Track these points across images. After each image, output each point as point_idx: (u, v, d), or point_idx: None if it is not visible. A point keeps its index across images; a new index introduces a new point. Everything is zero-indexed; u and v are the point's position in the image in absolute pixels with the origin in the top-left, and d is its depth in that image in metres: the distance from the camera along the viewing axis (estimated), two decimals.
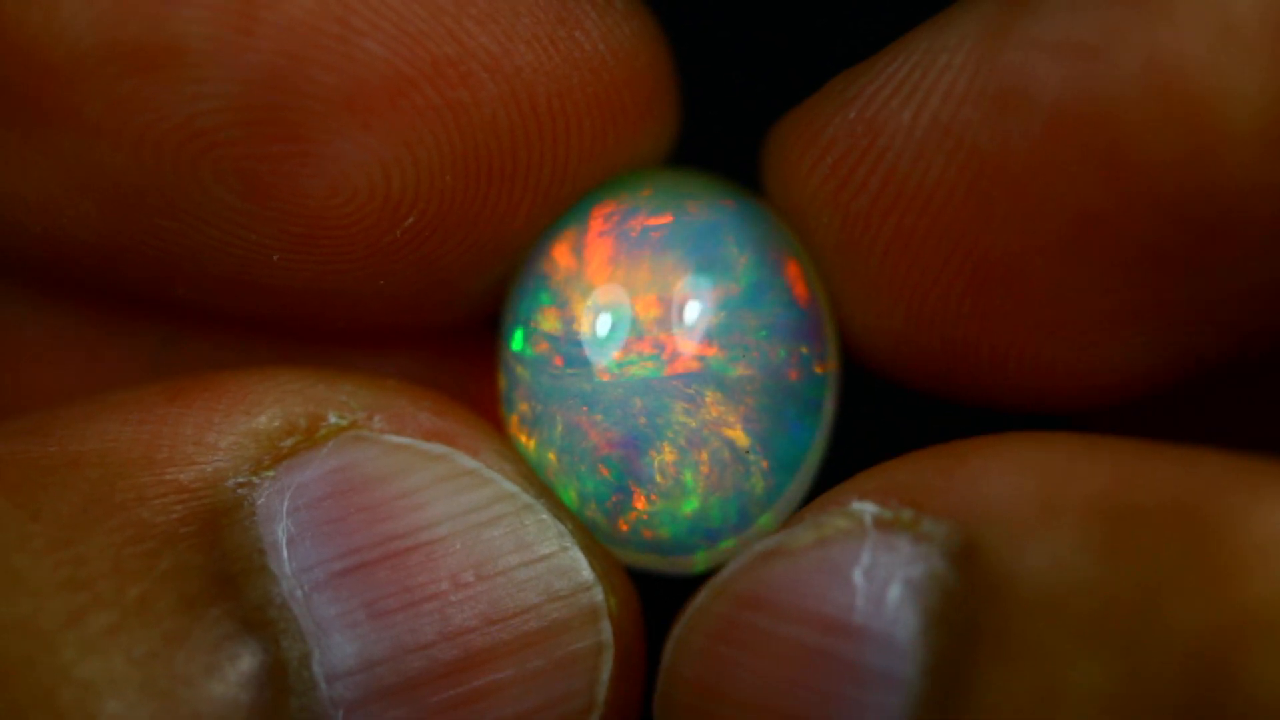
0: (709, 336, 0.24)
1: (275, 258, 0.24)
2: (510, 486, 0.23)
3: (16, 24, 0.23)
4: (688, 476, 0.24)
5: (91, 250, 0.25)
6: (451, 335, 0.27)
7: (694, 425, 0.24)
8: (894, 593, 0.22)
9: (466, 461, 0.23)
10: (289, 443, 0.23)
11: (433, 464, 0.23)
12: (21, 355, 0.27)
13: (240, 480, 0.23)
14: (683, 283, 0.24)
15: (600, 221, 0.25)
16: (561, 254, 0.25)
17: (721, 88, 0.29)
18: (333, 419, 0.23)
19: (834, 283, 0.25)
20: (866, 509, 0.23)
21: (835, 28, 0.30)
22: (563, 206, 0.25)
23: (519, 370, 0.25)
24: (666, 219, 0.24)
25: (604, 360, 0.24)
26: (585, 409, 0.24)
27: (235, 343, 0.27)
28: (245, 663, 0.21)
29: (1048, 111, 0.22)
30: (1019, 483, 0.22)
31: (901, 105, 0.23)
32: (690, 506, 0.24)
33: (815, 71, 0.25)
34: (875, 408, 0.26)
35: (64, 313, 0.27)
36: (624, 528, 0.24)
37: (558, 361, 0.24)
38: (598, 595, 0.23)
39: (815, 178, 0.24)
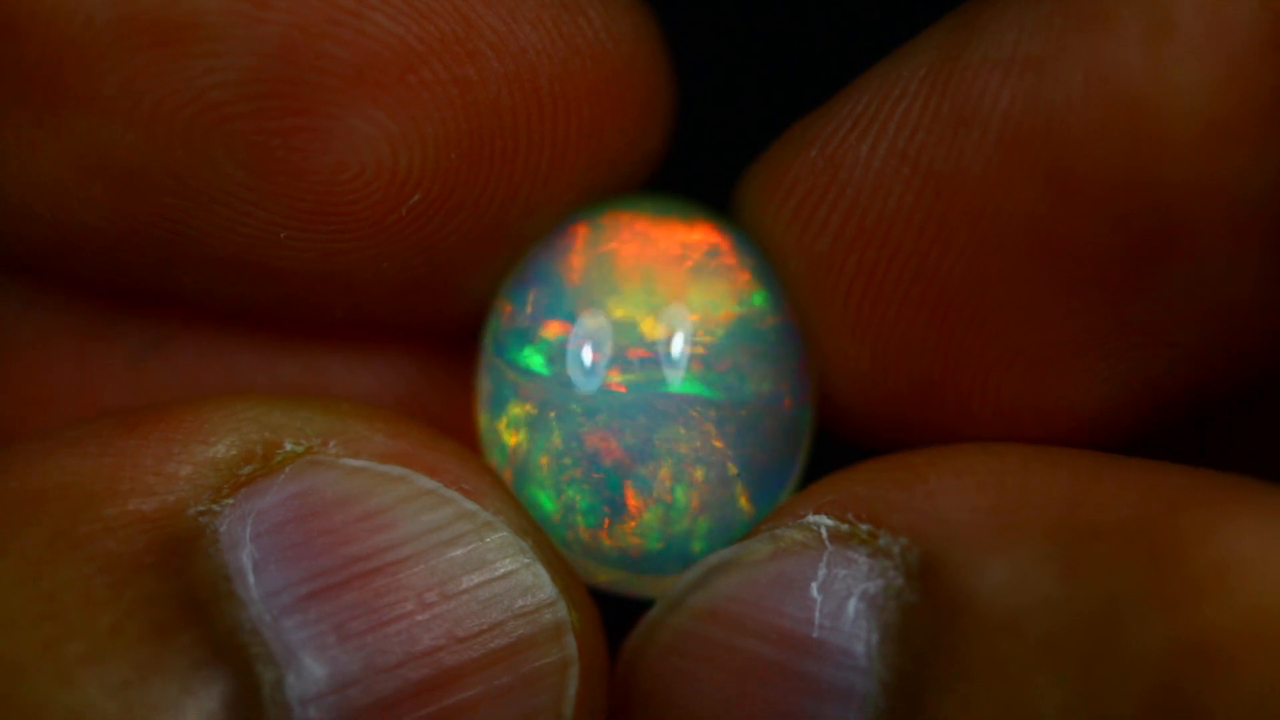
0: (709, 358, 0.24)
1: (282, 235, 0.24)
2: (469, 505, 0.23)
3: (33, 2, 0.22)
4: (680, 495, 0.24)
5: (99, 235, 0.24)
6: (442, 340, 0.27)
7: (690, 445, 0.24)
8: (852, 607, 0.22)
9: (425, 481, 0.23)
10: (247, 470, 0.23)
11: (391, 485, 0.23)
12: (11, 350, 0.27)
13: (201, 509, 0.23)
14: (685, 302, 0.24)
15: (606, 234, 0.25)
16: (565, 265, 0.25)
17: (709, 114, 0.29)
18: (289, 445, 0.23)
19: (805, 327, 0.25)
20: (823, 522, 0.23)
21: (820, 61, 0.31)
22: (559, 199, 0.25)
23: (513, 377, 0.25)
24: (671, 237, 0.25)
25: (605, 375, 0.24)
26: (583, 420, 0.24)
27: (219, 349, 0.27)
28: (218, 688, 0.21)
29: (999, 130, 0.22)
30: (976, 498, 0.22)
31: (860, 139, 0.23)
32: (678, 525, 0.24)
33: (798, 104, 0.25)
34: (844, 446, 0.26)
35: (56, 310, 0.27)
36: (609, 541, 0.24)
37: (559, 372, 0.24)
38: (561, 611, 0.23)
39: (781, 222, 0.24)
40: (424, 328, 0.27)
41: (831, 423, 0.26)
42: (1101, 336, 0.23)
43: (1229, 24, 0.21)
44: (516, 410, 0.25)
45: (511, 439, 0.25)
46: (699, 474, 0.24)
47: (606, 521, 0.24)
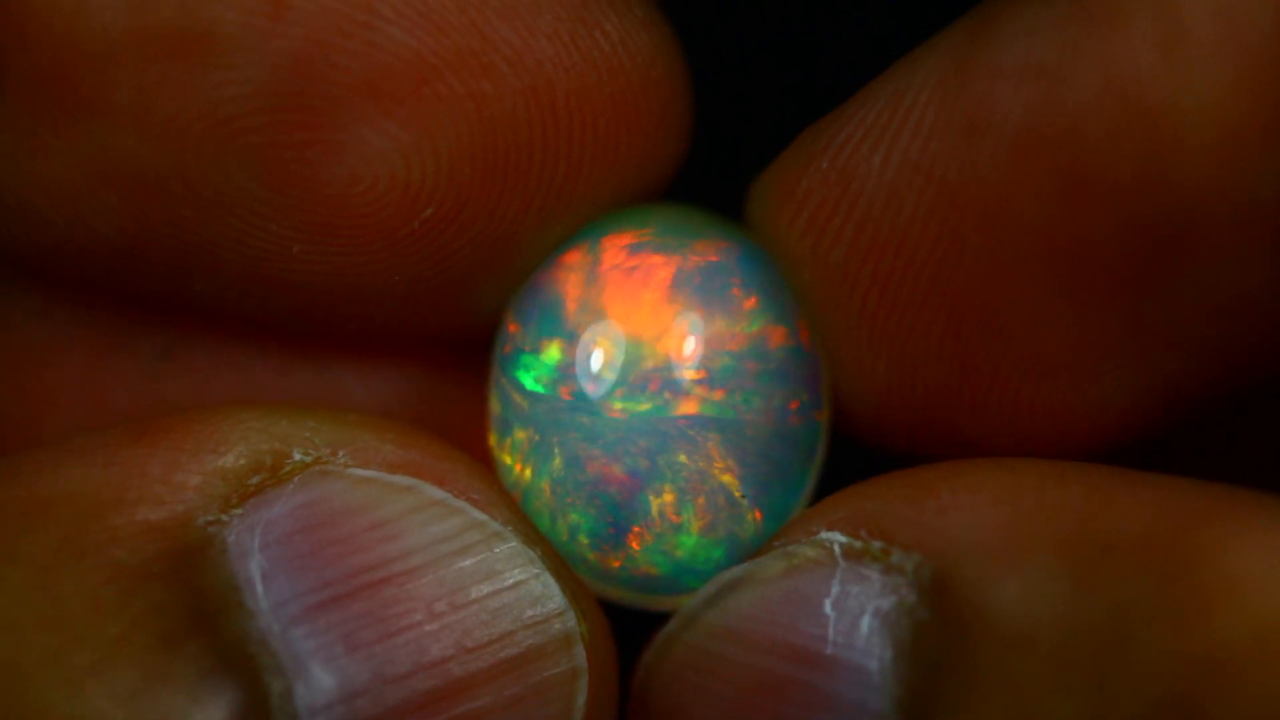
0: (713, 380, 0.24)
1: (295, 249, 0.24)
2: (479, 515, 0.23)
3: (48, 11, 0.22)
4: (685, 518, 0.24)
5: (112, 244, 0.24)
6: (453, 351, 0.27)
7: (694, 468, 0.24)
8: (865, 624, 0.22)
9: (434, 492, 0.23)
10: (255, 480, 0.23)
11: (400, 495, 0.23)
12: (25, 357, 0.27)
13: (210, 519, 0.22)
14: (689, 324, 0.24)
15: (610, 256, 0.24)
16: (569, 286, 0.24)
17: (725, 121, 0.29)
18: (297, 455, 0.23)
19: (820, 337, 0.25)
20: (835, 538, 0.23)
21: (836, 67, 0.30)
22: (574, 212, 0.25)
23: (517, 398, 0.24)
24: (675, 258, 0.24)
25: (608, 397, 0.24)
26: (585, 444, 0.24)
27: (231, 359, 0.26)
28: (226, 698, 0.21)
29: (1012, 137, 0.22)
30: (989, 514, 0.22)
31: (872, 149, 0.23)
32: (684, 548, 0.24)
33: (813, 110, 0.25)
34: (859, 455, 0.26)
35: (69, 317, 0.27)
36: (614, 564, 0.24)
37: (561, 394, 0.24)
38: (570, 621, 0.23)
39: (794, 232, 0.24)
40: (436, 339, 0.26)
41: (849, 432, 0.25)
42: (1116, 341, 0.23)
43: (1241, 29, 0.21)
44: (520, 435, 0.24)
45: (516, 464, 0.25)
46: (702, 498, 0.24)
47: (610, 546, 0.24)
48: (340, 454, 0.23)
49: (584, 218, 0.25)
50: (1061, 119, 0.22)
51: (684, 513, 0.24)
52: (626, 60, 0.24)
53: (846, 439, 0.26)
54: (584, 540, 0.24)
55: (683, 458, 0.24)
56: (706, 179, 0.27)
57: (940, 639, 0.21)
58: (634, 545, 0.24)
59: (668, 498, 0.24)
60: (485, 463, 0.25)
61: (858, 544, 0.23)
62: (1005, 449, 0.24)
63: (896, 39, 0.25)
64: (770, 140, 0.26)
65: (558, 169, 0.24)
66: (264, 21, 0.22)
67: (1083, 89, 0.22)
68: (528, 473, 0.24)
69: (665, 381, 0.24)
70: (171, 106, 0.23)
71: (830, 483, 0.25)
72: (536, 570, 0.23)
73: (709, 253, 0.25)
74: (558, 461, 0.24)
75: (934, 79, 0.23)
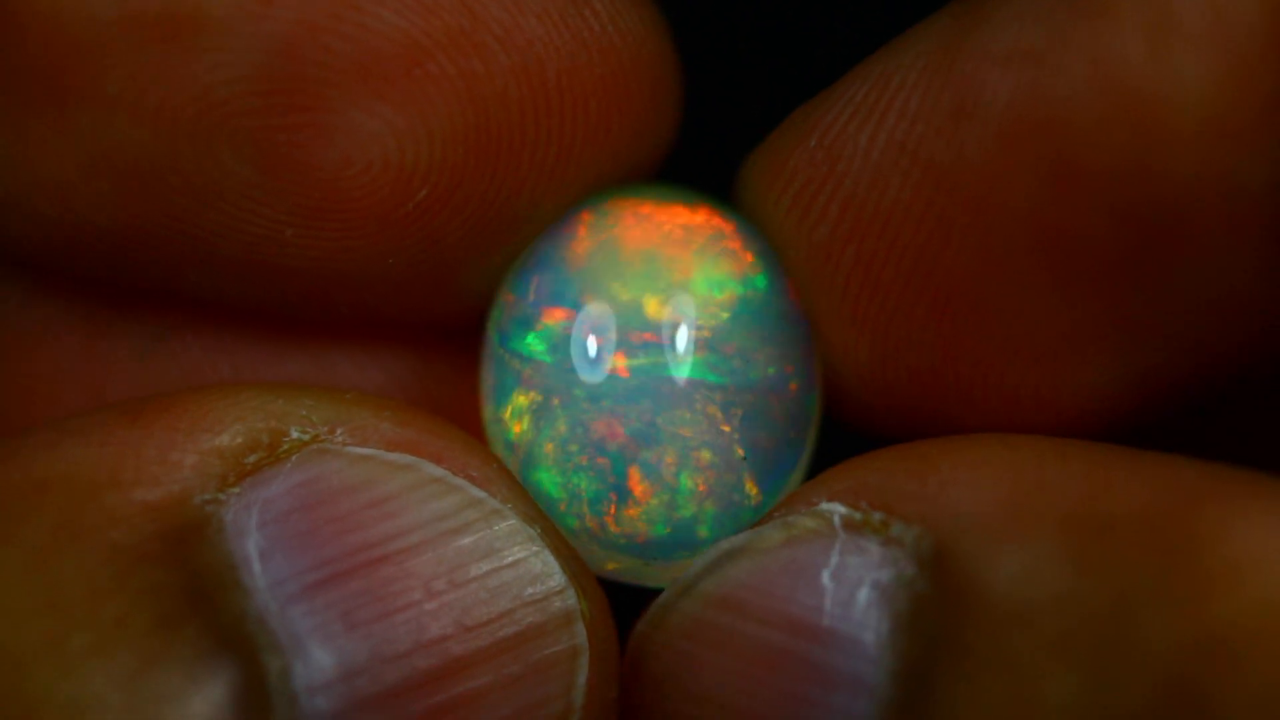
0: (714, 343, 0.24)
1: (288, 233, 0.24)
2: (478, 493, 0.23)
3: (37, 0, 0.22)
4: (685, 481, 0.24)
5: (104, 233, 0.24)
6: (447, 334, 0.27)
7: (696, 429, 0.24)
8: (863, 596, 0.22)
9: (432, 469, 0.23)
10: (253, 459, 0.23)
11: (399, 473, 0.23)
12: (18, 344, 0.27)
13: (207, 498, 0.22)
14: (691, 286, 0.24)
15: (610, 221, 0.24)
16: (568, 252, 0.24)
17: (715, 103, 0.29)
18: (295, 434, 0.23)
19: (808, 314, 0.25)
20: (836, 510, 0.23)
21: (824, 52, 0.31)
22: (566, 193, 0.25)
23: (517, 364, 0.24)
24: (675, 223, 0.24)
25: (610, 360, 0.24)
26: (588, 405, 0.24)
27: (225, 344, 0.26)
28: (225, 678, 0.21)
29: (999, 121, 0.22)
30: (990, 489, 0.22)
31: (859, 129, 0.23)
32: (684, 511, 0.24)
33: (802, 93, 0.25)
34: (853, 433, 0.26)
35: (62, 304, 0.27)
36: (615, 528, 0.24)
37: (563, 357, 0.24)
38: (570, 599, 0.23)
39: (780, 210, 0.24)
40: (429, 322, 0.26)
41: (836, 410, 0.25)
42: (1100, 328, 0.23)
43: (1229, 18, 0.21)
44: (521, 399, 0.24)
45: (516, 427, 0.25)
46: (704, 458, 0.24)
47: (612, 508, 0.24)
48: (338, 432, 0.23)
49: (575, 198, 0.25)
50: (1049, 105, 0.22)
51: (685, 473, 0.24)
52: (617, 40, 0.24)
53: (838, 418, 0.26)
54: (586, 502, 0.24)
55: (685, 418, 0.24)
56: (696, 160, 0.26)
57: (938, 613, 0.21)
58: (635, 506, 0.24)
59: (669, 458, 0.24)
60: (481, 441, 0.25)
61: (858, 515, 0.23)
62: (1002, 431, 0.24)
63: (887, 22, 0.25)
64: (760, 122, 0.26)
65: (549, 149, 0.24)
66: (253, 4, 0.22)
67: (1071, 76, 0.22)
68: (529, 436, 0.24)
69: (666, 343, 0.24)
70: (162, 93, 0.23)
71: (824, 459, 0.25)
72: (536, 548, 0.23)
73: (709, 216, 0.25)
74: (561, 424, 0.24)
75: (922, 61, 0.23)
